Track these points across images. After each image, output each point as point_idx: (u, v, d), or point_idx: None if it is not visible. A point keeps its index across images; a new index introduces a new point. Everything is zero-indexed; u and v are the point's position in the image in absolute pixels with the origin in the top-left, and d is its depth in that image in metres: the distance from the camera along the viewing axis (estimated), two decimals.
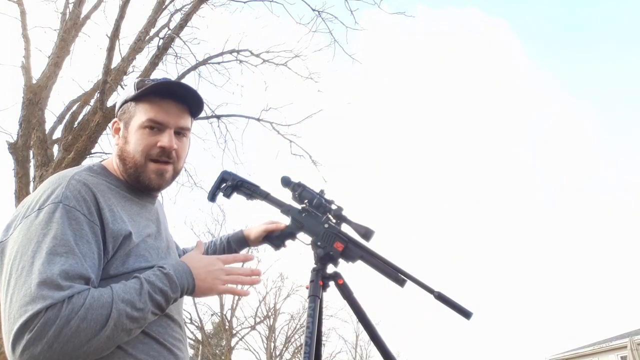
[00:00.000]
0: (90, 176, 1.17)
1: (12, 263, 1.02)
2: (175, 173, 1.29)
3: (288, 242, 1.64)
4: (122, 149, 1.24)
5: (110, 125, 1.30)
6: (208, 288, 1.21)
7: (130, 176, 1.24)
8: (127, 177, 1.25)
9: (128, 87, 1.29)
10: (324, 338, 1.68)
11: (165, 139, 1.22)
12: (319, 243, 1.51)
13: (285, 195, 1.61)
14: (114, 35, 5.64)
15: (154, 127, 1.22)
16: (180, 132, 1.27)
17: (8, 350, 0.97)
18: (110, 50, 5.63)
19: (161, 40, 6.81)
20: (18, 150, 5.66)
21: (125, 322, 1.02)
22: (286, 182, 1.59)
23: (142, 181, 1.24)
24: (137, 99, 1.24)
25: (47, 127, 6.03)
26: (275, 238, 1.64)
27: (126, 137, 1.24)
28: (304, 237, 1.59)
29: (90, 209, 1.09)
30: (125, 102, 1.26)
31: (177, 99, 1.26)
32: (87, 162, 5.81)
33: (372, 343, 1.49)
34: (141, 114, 1.23)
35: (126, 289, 1.05)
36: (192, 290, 1.18)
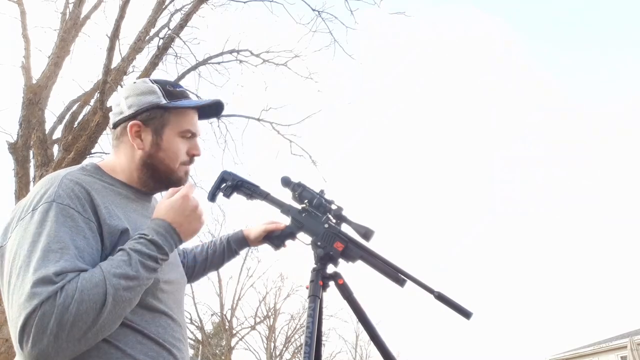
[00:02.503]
0: (83, 175, 1.17)
1: (12, 265, 1.02)
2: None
3: (288, 242, 1.64)
4: (152, 155, 1.25)
5: (128, 127, 1.29)
6: (192, 231, 1.23)
7: (156, 179, 1.28)
8: (148, 181, 1.27)
9: (147, 88, 1.27)
10: (324, 338, 1.68)
11: (198, 147, 1.33)
12: (319, 243, 1.52)
13: (285, 195, 1.62)
14: (114, 35, 5.64)
15: (190, 136, 1.30)
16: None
17: (18, 351, 0.98)
18: (110, 50, 5.63)
19: (161, 40, 6.81)
20: (18, 150, 5.65)
21: (123, 295, 1.03)
22: (286, 182, 1.59)
23: (169, 184, 1.30)
24: (170, 109, 1.28)
25: (47, 127, 6.02)
26: (275, 238, 1.64)
27: (158, 143, 1.26)
28: (304, 237, 1.59)
29: (84, 207, 1.09)
30: (154, 107, 1.26)
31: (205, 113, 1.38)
32: (86, 162, 5.80)
33: (372, 343, 1.49)
34: (177, 122, 1.28)
35: (114, 263, 1.05)
36: (180, 241, 1.19)
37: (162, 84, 1.30)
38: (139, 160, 1.26)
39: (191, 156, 1.31)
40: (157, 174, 1.27)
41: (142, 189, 1.29)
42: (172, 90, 1.29)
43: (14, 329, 0.98)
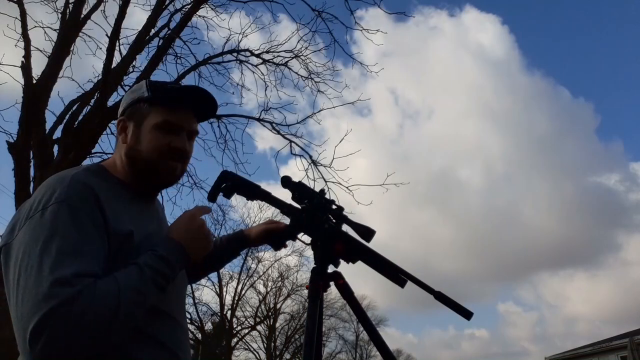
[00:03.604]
0: (89, 176, 1.17)
1: (20, 263, 1.02)
2: (182, 172, 1.33)
3: (288, 242, 1.65)
4: (132, 148, 1.26)
5: (115, 124, 1.32)
6: (199, 249, 1.23)
7: (140, 173, 1.26)
8: (135, 176, 1.27)
9: (138, 87, 1.32)
10: (324, 338, 1.69)
11: (180, 141, 1.27)
12: (319, 243, 1.51)
13: (286, 196, 1.62)
14: (114, 35, 5.63)
15: (169, 128, 1.26)
16: (191, 136, 1.32)
17: (24, 348, 0.97)
18: (110, 50, 5.62)
19: (161, 40, 6.81)
20: (18, 150, 5.64)
21: (133, 309, 1.04)
22: (286, 182, 1.59)
23: (153, 179, 1.28)
24: (151, 100, 1.27)
25: (47, 127, 6.00)
26: (276, 238, 1.64)
27: (138, 136, 1.26)
28: (304, 237, 1.59)
29: (93, 209, 1.09)
30: (138, 101, 1.28)
31: (190, 104, 1.32)
32: (87, 162, 5.81)
33: (372, 343, 1.49)
34: (156, 114, 1.26)
35: (128, 277, 1.06)
36: (188, 261, 1.20)
37: (160, 83, 1.31)
38: (124, 155, 1.27)
39: (173, 150, 1.26)
40: (140, 169, 1.26)
41: (139, 188, 1.29)
42: (164, 86, 1.30)
43: (22, 326, 0.97)
